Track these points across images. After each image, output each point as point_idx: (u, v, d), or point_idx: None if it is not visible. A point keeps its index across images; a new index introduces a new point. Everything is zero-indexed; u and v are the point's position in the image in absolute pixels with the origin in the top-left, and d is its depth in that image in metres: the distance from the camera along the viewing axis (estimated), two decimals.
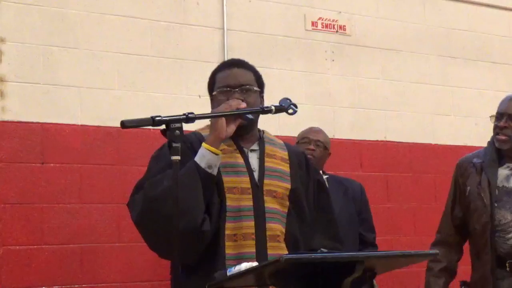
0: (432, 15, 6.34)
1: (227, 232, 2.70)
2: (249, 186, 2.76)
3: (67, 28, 4.87)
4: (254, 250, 2.69)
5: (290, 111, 2.64)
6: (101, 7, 5.00)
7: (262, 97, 2.99)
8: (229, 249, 2.69)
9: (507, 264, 3.57)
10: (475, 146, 5.58)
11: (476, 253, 3.73)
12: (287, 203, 2.82)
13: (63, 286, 4.67)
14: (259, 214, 2.73)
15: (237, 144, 2.83)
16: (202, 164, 2.66)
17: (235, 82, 2.84)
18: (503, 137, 3.64)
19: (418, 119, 6.16)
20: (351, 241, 4.23)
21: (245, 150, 2.84)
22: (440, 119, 6.27)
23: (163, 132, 2.39)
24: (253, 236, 2.70)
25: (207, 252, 2.67)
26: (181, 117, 2.38)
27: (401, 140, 6.05)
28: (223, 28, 5.42)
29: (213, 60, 5.33)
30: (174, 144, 2.33)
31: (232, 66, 2.92)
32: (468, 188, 3.73)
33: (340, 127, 5.64)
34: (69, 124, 4.81)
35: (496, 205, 3.62)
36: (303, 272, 2.26)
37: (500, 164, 3.69)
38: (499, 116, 3.68)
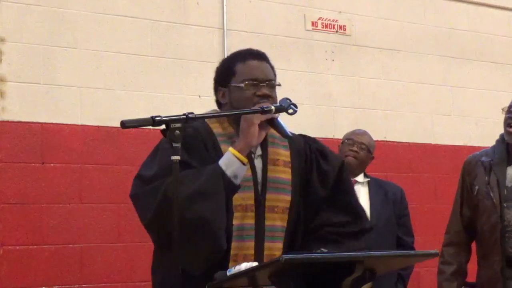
0: (432, 15, 6.34)
1: (231, 252, 2.62)
2: (252, 202, 2.67)
3: (67, 28, 4.88)
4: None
5: (290, 111, 2.63)
6: (101, 7, 5.00)
7: None
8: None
9: None
10: (475, 146, 5.59)
11: (484, 253, 3.69)
12: (287, 216, 2.74)
13: (63, 286, 4.67)
14: (259, 233, 2.66)
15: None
16: (228, 172, 2.55)
17: (263, 76, 2.75)
18: None
19: (418, 119, 6.17)
20: (388, 244, 4.23)
21: (252, 156, 2.72)
22: (440, 119, 6.27)
23: (163, 132, 2.38)
24: (252, 258, 2.63)
25: (214, 270, 2.53)
26: (181, 117, 2.36)
27: (401, 140, 6.05)
28: (223, 28, 5.42)
29: (213, 60, 5.31)
30: (174, 144, 2.32)
31: (258, 58, 2.81)
32: (476, 187, 3.68)
33: (340, 127, 5.64)
34: (69, 124, 4.81)
35: (505, 205, 3.59)
36: (303, 272, 2.26)
37: (509, 163, 3.65)
38: (511, 109, 3.64)
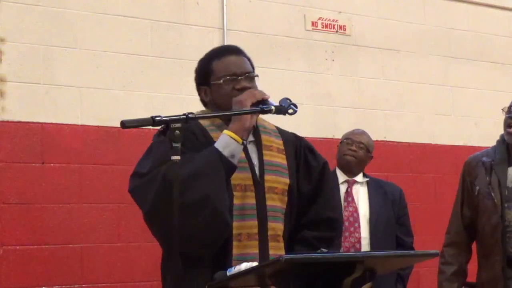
0: (432, 15, 6.34)
1: (234, 231, 2.64)
2: (251, 182, 2.71)
3: (67, 28, 4.88)
4: (257, 250, 2.65)
5: (290, 111, 2.62)
6: (101, 7, 5.00)
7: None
8: (234, 249, 2.64)
9: None
10: (475, 146, 5.59)
11: (484, 253, 3.69)
12: (286, 198, 2.79)
13: (63, 286, 4.67)
14: (262, 213, 2.70)
15: None
16: (225, 153, 2.59)
17: (240, 70, 2.80)
18: None
19: (418, 119, 6.16)
20: (388, 244, 4.25)
21: (244, 142, 2.73)
22: (440, 119, 6.27)
23: (163, 132, 2.38)
24: (257, 236, 2.66)
25: (218, 250, 2.61)
26: (181, 117, 2.36)
27: (401, 140, 6.05)
28: (223, 28, 5.42)
29: None
30: (174, 144, 2.32)
31: (233, 53, 2.86)
32: (477, 187, 3.68)
33: (340, 127, 5.64)
34: (69, 124, 4.81)
35: (506, 205, 3.59)
36: (303, 272, 2.26)
37: (510, 163, 3.65)
38: (511, 109, 3.64)
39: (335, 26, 5.91)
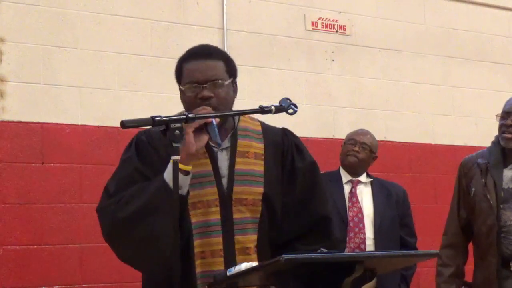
0: (432, 15, 6.34)
1: (196, 250, 2.58)
2: (216, 197, 2.60)
3: (67, 28, 4.88)
4: (222, 267, 2.55)
5: (290, 111, 2.61)
6: (101, 7, 5.00)
7: (235, 84, 2.77)
8: (198, 267, 2.57)
9: (511, 264, 3.56)
10: (475, 146, 5.59)
11: (480, 254, 3.72)
12: (260, 208, 2.65)
13: (63, 286, 4.67)
14: (228, 227, 2.59)
15: (207, 143, 2.58)
16: (171, 184, 2.46)
17: (204, 77, 2.62)
18: (510, 135, 3.62)
19: (418, 119, 6.17)
20: (392, 244, 4.25)
21: (215, 149, 2.65)
22: (440, 119, 6.27)
23: (163, 132, 2.38)
24: (221, 253, 2.58)
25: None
26: (181, 117, 2.36)
27: (401, 140, 6.05)
28: (223, 28, 5.42)
29: None
30: (174, 144, 2.32)
31: (200, 58, 2.67)
32: (473, 189, 3.70)
33: (340, 127, 5.64)
34: (69, 124, 4.81)
35: (502, 206, 3.61)
36: (303, 272, 2.26)
37: (505, 165, 3.67)
38: (505, 115, 3.66)
39: (335, 26, 5.91)
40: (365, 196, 4.35)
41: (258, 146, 2.73)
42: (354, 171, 4.36)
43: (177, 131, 2.32)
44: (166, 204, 2.44)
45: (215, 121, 2.49)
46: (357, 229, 4.22)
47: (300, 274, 2.24)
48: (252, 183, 2.66)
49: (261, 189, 2.66)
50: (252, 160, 2.69)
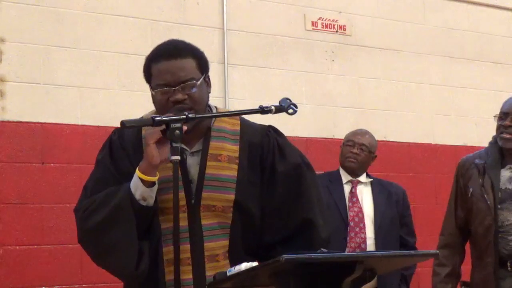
0: (432, 15, 6.34)
1: (165, 257, 2.49)
2: (183, 202, 2.48)
3: (67, 28, 4.88)
4: (191, 276, 2.47)
5: (290, 111, 2.60)
6: (101, 7, 5.00)
7: (208, 78, 2.62)
8: (168, 275, 2.47)
9: (508, 264, 3.57)
10: (475, 146, 5.59)
11: (478, 254, 3.72)
12: (230, 214, 2.52)
13: (63, 286, 4.67)
14: (196, 234, 2.48)
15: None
16: (136, 195, 2.43)
17: (174, 78, 2.49)
18: (508, 136, 3.63)
19: (418, 119, 6.17)
20: (392, 244, 4.26)
21: (186, 153, 2.54)
22: (440, 119, 6.27)
23: (163, 132, 2.37)
24: (189, 261, 2.48)
25: (149, 277, 2.49)
26: (181, 117, 2.35)
27: (401, 140, 6.05)
28: (223, 28, 5.42)
29: (213, 60, 5.33)
30: (174, 144, 2.31)
31: (169, 57, 2.54)
32: (471, 189, 3.71)
33: (340, 127, 5.64)
34: (69, 124, 4.81)
35: (499, 207, 3.62)
36: (303, 272, 2.26)
37: (502, 165, 3.68)
38: (503, 115, 3.67)
39: (335, 26, 5.91)
40: (365, 196, 4.36)
41: (232, 149, 2.59)
42: (354, 173, 4.38)
43: (177, 131, 2.32)
44: (130, 215, 2.42)
45: (183, 129, 2.34)
46: (357, 229, 4.23)
47: (300, 274, 2.24)
48: (222, 189, 2.52)
49: (231, 196, 2.52)
50: (225, 164, 2.55)
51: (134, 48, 5.09)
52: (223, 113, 2.67)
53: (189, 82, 2.50)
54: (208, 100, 2.59)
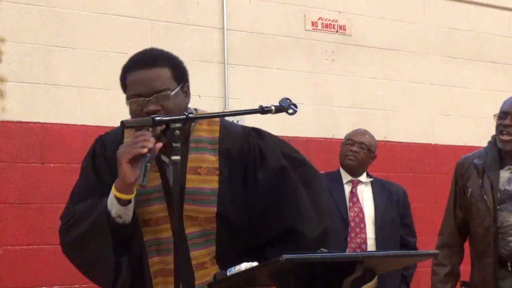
0: (432, 15, 6.35)
1: (152, 268, 2.49)
2: (166, 214, 2.45)
3: (67, 28, 4.88)
4: (180, 286, 2.34)
5: (290, 111, 2.60)
6: (101, 7, 5.00)
7: (187, 87, 2.60)
8: (158, 285, 2.48)
9: (508, 264, 3.57)
10: (475, 146, 5.58)
11: (477, 254, 3.72)
12: (214, 224, 2.48)
13: (63, 286, 4.67)
14: (181, 245, 2.38)
15: (158, 156, 2.44)
16: (112, 213, 2.40)
17: (147, 89, 2.43)
18: (507, 137, 3.62)
19: (418, 119, 6.17)
20: (393, 244, 4.27)
21: (166, 160, 2.48)
22: (440, 119, 6.27)
23: (163, 132, 2.37)
24: (172, 272, 2.38)
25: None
26: (181, 117, 2.35)
27: (401, 140, 6.05)
28: (223, 28, 5.42)
29: (213, 60, 5.34)
30: (174, 144, 2.31)
31: (143, 67, 2.47)
32: (470, 190, 3.70)
33: (340, 127, 5.64)
34: (69, 124, 4.81)
35: (498, 207, 3.61)
36: (303, 272, 2.26)
37: (501, 166, 3.67)
38: (503, 115, 3.65)
39: (335, 26, 5.91)
40: (365, 196, 4.36)
41: (211, 160, 2.51)
42: (354, 172, 4.37)
43: (177, 131, 2.31)
44: (107, 232, 2.41)
45: (154, 151, 2.32)
46: (358, 229, 4.23)
47: (300, 274, 2.24)
48: (204, 202, 2.47)
49: (213, 209, 2.47)
50: (204, 177, 2.49)
51: (134, 48, 5.06)
52: (224, 113, 2.67)
53: (163, 93, 2.44)
54: (186, 109, 2.52)
